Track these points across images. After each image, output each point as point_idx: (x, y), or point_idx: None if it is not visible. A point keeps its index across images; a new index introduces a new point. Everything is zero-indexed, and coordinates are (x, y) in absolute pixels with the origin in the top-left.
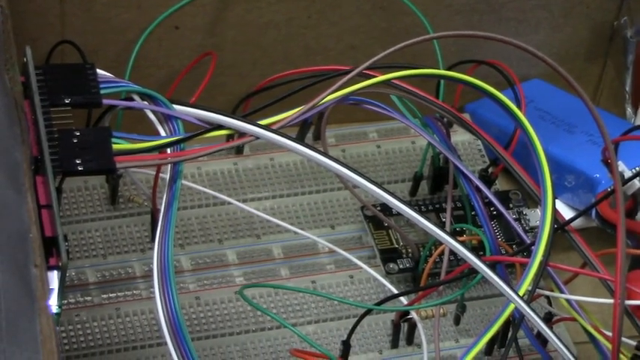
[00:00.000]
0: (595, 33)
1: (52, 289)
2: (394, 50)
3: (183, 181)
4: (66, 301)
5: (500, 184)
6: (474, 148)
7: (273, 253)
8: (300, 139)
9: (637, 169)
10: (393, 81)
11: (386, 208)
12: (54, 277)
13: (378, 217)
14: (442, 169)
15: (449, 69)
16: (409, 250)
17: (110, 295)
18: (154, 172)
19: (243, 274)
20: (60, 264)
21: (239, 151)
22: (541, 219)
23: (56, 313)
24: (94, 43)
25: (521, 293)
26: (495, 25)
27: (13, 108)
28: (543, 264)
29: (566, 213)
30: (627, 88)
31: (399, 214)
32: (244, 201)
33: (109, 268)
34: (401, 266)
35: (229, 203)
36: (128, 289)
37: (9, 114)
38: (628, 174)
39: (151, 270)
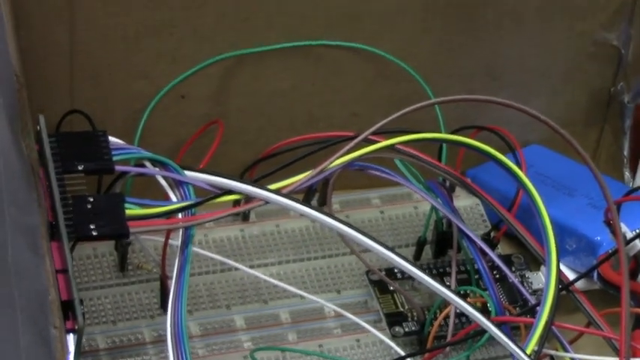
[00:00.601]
0: (593, 99)
1: (69, 352)
2: (398, 116)
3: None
4: None
5: (502, 249)
6: (475, 212)
7: (281, 318)
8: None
9: (638, 230)
10: (397, 146)
11: (391, 273)
12: (71, 340)
13: (383, 281)
14: (445, 233)
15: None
16: (414, 314)
17: None
18: (163, 239)
19: (251, 339)
20: (76, 327)
21: (245, 217)
22: (546, 279)
23: None
24: (102, 112)
25: (528, 351)
26: (496, 92)
27: (31, 174)
28: (549, 324)
29: (569, 276)
30: (625, 153)
31: (404, 278)
32: (251, 267)
33: (119, 335)
34: (407, 329)
35: (236, 269)
36: (138, 355)
37: (27, 179)
38: (630, 235)
39: (161, 336)
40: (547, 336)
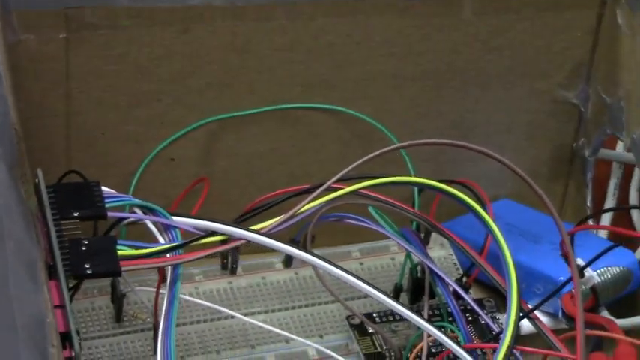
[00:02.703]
0: (556, 154)
1: None
2: (365, 161)
3: (184, 297)
4: None
5: (474, 293)
6: (449, 262)
7: None
8: (288, 261)
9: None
10: (371, 193)
11: (369, 316)
12: None
13: (363, 325)
14: (420, 279)
15: (422, 190)
16: (392, 353)
17: None
18: (155, 290)
19: None
20: (73, 354)
21: (233, 271)
22: (507, 307)
23: None
24: (96, 175)
25: None
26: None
27: (29, 215)
28: (511, 347)
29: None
30: (588, 204)
31: (382, 321)
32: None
33: None
34: None
35: (225, 318)
36: None
37: (26, 220)
38: (588, 271)
39: None
40: (509, 356)
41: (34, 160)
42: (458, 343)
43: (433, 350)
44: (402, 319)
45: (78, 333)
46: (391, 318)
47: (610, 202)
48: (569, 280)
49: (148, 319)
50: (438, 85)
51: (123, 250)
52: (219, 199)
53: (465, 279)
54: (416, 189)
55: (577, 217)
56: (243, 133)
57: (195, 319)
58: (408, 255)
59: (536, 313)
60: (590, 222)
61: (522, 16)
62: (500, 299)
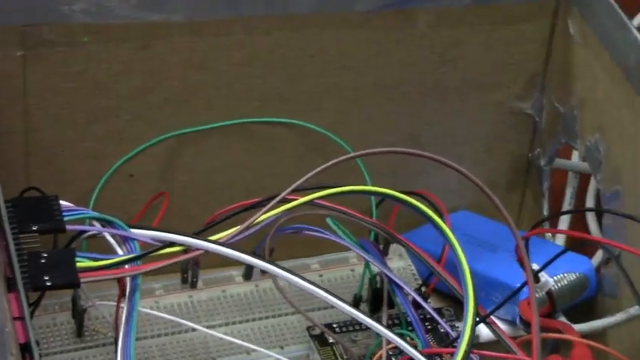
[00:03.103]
0: (513, 165)
1: None
2: (320, 170)
3: (145, 311)
4: None
5: (433, 303)
6: (408, 272)
7: None
8: (248, 274)
9: (558, 276)
10: (329, 204)
11: (330, 327)
12: None
13: (323, 335)
14: (379, 290)
15: (381, 201)
16: None
17: None
18: (115, 304)
19: None
20: None
21: (193, 285)
22: (464, 311)
23: None
24: (56, 191)
25: None
26: (422, 161)
27: None
28: (468, 351)
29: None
30: (545, 213)
31: (342, 331)
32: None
33: None
34: None
35: (186, 331)
36: None
37: None
38: (544, 276)
39: None
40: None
41: None
42: (416, 349)
43: (393, 358)
44: (362, 329)
45: (38, 344)
46: (351, 328)
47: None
48: (525, 284)
49: (109, 334)
50: (394, 97)
51: (82, 262)
52: (179, 214)
53: (423, 289)
54: (374, 200)
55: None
56: (201, 147)
57: (157, 333)
58: (367, 265)
59: (495, 321)
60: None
61: (476, 29)
62: (458, 308)
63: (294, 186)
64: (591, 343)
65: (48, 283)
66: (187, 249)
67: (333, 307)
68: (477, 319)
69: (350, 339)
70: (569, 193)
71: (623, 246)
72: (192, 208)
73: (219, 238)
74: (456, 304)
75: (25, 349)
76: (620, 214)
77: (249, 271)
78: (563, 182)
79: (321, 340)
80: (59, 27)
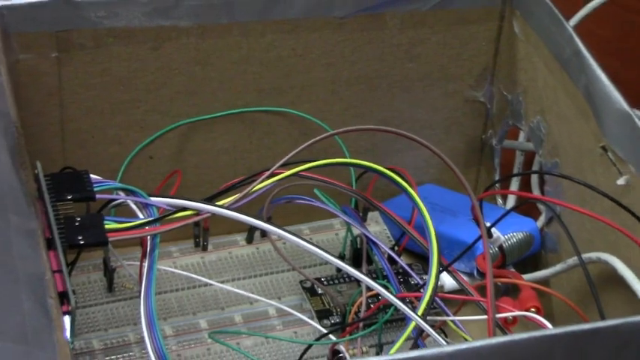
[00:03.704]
0: (469, 145)
1: (66, 329)
2: (303, 148)
3: (165, 269)
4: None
5: (404, 260)
6: (383, 236)
7: (235, 320)
8: (250, 238)
9: (508, 235)
10: (316, 175)
11: (319, 280)
12: (66, 321)
13: (313, 287)
14: (360, 249)
15: (361, 174)
16: (338, 309)
17: (112, 357)
18: (139, 264)
19: (212, 339)
20: (70, 309)
21: (204, 248)
22: (429, 262)
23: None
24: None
25: (419, 314)
26: (392, 142)
27: (29, 195)
28: (433, 294)
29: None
30: (497, 186)
31: (329, 284)
32: (210, 285)
33: (110, 338)
34: (332, 321)
35: (199, 286)
36: (125, 352)
37: (26, 198)
38: (496, 232)
39: (142, 338)
40: (432, 301)
41: (34, 159)
42: (391, 293)
43: (370, 304)
44: (345, 281)
45: (74, 292)
46: (336, 281)
47: (515, 184)
48: (480, 238)
49: (135, 289)
50: (368, 89)
51: (110, 225)
52: (190, 189)
53: (396, 248)
54: (354, 174)
55: (488, 198)
56: (209, 133)
57: (174, 288)
58: (349, 229)
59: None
60: (499, 199)
61: (436, 30)
62: (426, 265)
63: (282, 160)
64: (536, 285)
65: (81, 242)
66: (197, 212)
67: (321, 264)
68: (441, 268)
69: (336, 290)
70: (516, 167)
71: (562, 202)
72: (201, 184)
73: (223, 204)
74: (424, 261)
75: (63, 296)
76: (557, 174)
77: (251, 236)
78: (511, 158)
79: (311, 291)
80: (87, 32)
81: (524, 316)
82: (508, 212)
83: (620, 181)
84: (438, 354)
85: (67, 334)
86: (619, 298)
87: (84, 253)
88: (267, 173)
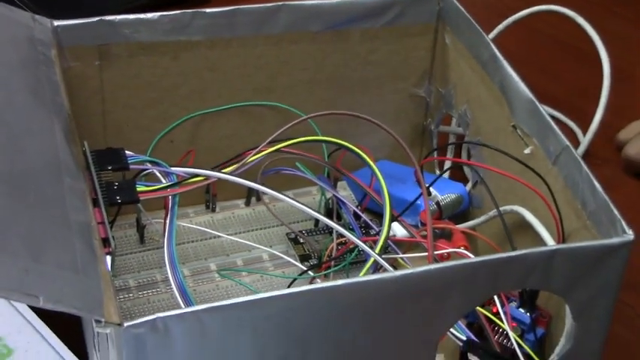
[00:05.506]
0: (414, 130)
1: (108, 265)
2: (287, 128)
3: (183, 224)
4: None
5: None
6: (349, 200)
7: (237, 263)
8: (248, 202)
9: (444, 195)
10: (298, 152)
11: (300, 232)
12: (108, 259)
13: (296, 238)
14: (331, 209)
15: (334, 151)
16: (315, 254)
17: (143, 292)
18: (163, 221)
19: (220, 276)
20: (110, 250)
21: (213, 210)
22: (384, 213)
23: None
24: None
25: (377, 251)
26: (356, 126)
27: (79, 165)
28: (387, 237)
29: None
30: (435, 162)
31: (308, 235)
32: (218, 237)
33: (142, 277)
34: (311, 263)
35: (209, 238)
36: (154, 288)
37: (77, 166)
38: (434, 191)
39: (168, 277)
40: (386, 243)
41: (82, 140)
42: (355, 237)
43: (339, 248)
44: (321, 233)
45: (113, 238)
46: (314, 233)
47: (449, 156)
48: (421, 195)
49: (160, 240)
50: (336, 87)
51: (140, 188)
52: (202, 165)
53: (359, 207)
54: (326, 151)
55: (429, 172)
56: (215, 122)
57: (191, 240)
58: (323, 193)
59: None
60: (438, 171)
61: (387, 41)
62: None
63: (270, 138)
64: (465, 229)
65: (119, 200)
66: (206, 178)
67: (302, 220)
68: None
69: (314, 240)
70: (450, 147)
71: (483, 164)
72: (210, 161)
73: (226, 172)
74: (380, 218)
75: (105, 240)
76: (479, 143)
77: (248, 200)
78: (446, 140)
79: (295, 241)
80: (122, 45)
81: (456, 252)
82: (443, 173)
83: (527, 151)
84: (390, 277)
85: (109, 267)
86: (527, 240)
87: (121, 215)
88: (259, 148)
